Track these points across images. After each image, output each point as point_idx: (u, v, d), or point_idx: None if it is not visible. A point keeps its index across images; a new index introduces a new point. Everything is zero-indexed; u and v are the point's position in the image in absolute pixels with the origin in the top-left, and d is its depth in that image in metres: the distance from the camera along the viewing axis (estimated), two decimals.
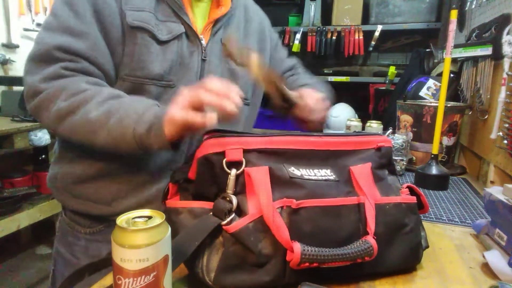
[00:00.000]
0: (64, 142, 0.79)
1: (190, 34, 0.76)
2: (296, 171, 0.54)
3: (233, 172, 0.52)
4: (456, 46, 1.33)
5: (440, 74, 1.41)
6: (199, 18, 0.80)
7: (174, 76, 0.74)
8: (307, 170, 0.55)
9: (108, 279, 0.56)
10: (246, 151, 0.53)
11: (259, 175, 0.51)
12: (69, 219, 0.81)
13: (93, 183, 0.75)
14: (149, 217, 0.43)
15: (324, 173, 0.56)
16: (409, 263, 0.59)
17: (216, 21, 0.80)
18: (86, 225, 0.79)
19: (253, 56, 0.64)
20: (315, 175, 0.55)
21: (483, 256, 0.61)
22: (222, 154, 0.52)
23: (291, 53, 3.13)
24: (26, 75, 0.67)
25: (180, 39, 0.75)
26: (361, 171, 0.57)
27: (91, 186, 0.75)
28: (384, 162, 0.62)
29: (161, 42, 0.72)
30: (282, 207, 0.50)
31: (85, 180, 0.75)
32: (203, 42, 0.78)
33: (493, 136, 1.03)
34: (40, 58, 0.66)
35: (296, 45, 2.69)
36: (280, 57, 1.02)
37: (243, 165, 0.52)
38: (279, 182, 0.52)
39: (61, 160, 0.78)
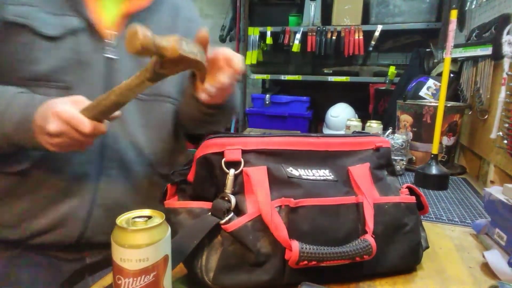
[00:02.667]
0: None
1: (93, 29, 0.68)
2: (294, 171, 0.54)
3: (232, 172, 0.52)
4: (456, 46, 1.33)
5: (440, 74, 1.41)
6: (109, 10, 0.71)
7: (70, 77, 0.67)
8: (306, 170, 0.55)
9: (108, 279, 0.56)
10: (244, 152, 0.53)
11: (258, 174, 0.52)
12: None
13: None
14: (149, 217, 0.43)
15: (323, 173, 0.56)
16: (409, 263, 0.59)
17: (132, 16, 0.72)
18: (2, 248, 0.72)
19: (171, 40, 0.52)
20: (313, 175, 0.55)
21: (483, 256, 0.61)
22: (221, 154, 0.53)
23: (291, 53, 3.10)
24: None
25: (76, 35, 0.67)
26: (360, 171, 0.58)
27: None
28: (382, 162, 0.62)
29: (50, 38, 0.65)
30: (280, 206, 0.51)
31: None
32: (110, 38, 0.70)
33: (493, 136, 1.03)
34: None
35: (296, 45, 2.69)
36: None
37: (242, 165, 0.53)
38: (277, 182, 0.53)
39: None
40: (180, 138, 0.87)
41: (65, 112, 0.55)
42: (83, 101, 0.59)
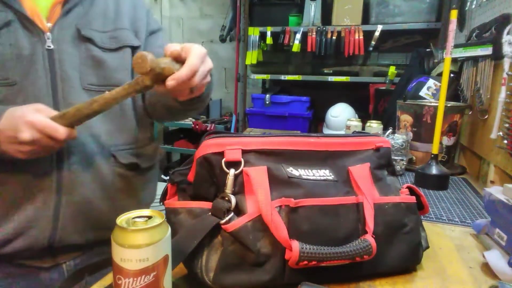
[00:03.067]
0: None
1: (27, 21, 0.67)
2: (295, 171, 0.54)
3: (232, 171, 0.52)
4: (456, 46, 1.33)
5: (440, 74, 1.41)
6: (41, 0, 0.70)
7: (12, 72, 0.66)
8: (306, 170, 0.55)
9: (108, 279, 0.56)
10: (245, 152, 0.53)
11: (258, 174, 0.52)
12: None
13: None
14: (149, 217, 0.43)
15: (323, 173, 0.56)
16: (409, 263, 0.59)
17: (66, 2, 0.71)
18: None
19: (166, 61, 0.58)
20: (313, 175, 0.55)
21: (483, 256, 0.61)
22: (221, 154, 0.53)
23: (291, 53, 3.09)
24: None
25: (11, 30, 0.66)
26: (360, 171, 0.57)
27: None
28: (383, 162, 0.62)
29: None
30: (280, 206, 0.51)
31: None
32: (47, 29, 0.68)
33: (493, 136, 1.03)
34: None
35: (296, 45, 2.69)
36: (151, 44, 0.85)
37: (242, 165, 0.53)
38: (277, 182, 0.53)
39: None
40: (146, 129, 0.86)
41: (39, 121, 0.57)
42: (45, 109, 0.60)
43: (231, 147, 0.53)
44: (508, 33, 1.04)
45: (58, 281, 0.74)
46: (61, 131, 0.58)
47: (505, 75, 1.00)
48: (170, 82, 0.56)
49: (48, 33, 0.69)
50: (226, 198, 0.51)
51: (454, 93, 1.47)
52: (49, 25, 0.70)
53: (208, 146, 0.53)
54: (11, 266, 0.72)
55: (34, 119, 0.57)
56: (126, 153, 0.79)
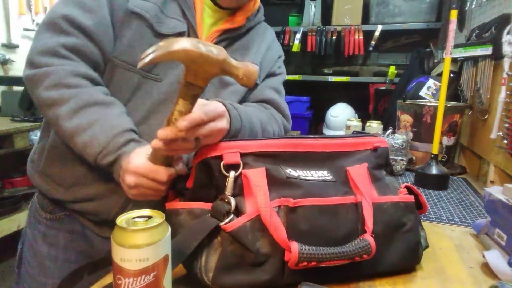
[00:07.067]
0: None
1: (192, 35, 0.75)
2: (293, 172, 0.54)
3: (232, 174, 0.52)
4: (456, 46, 1.33)
5: (440, 74, 1.41)
6: (207, 24, 0.79)
7: (162, 71, 0.73)
8: (304, 171, 0.55)
9: (108, 279, 0.56)
10: (243, 155, 0.54)
11: (256, 176, 0.52)
12: (37, 200, 0.82)
13: (60, 163, 0.75)
14: (149, 217, 0.43)
15: (321, 174, 0.56)
16: (408, 263, 0.59)
17: (224, 32, 0.79)
18: (48, 210, 0.79)
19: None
20: (312, 176, 0.55)
21: (483, 256, 0.61)
22: (220, 158, 0.53)
23: (291, 53, 3.08)
24: (34, 37, 0.68)
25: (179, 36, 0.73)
26: (358, 172, 0.58)
27: (57, 165, 0.75)
28: (380, 162, 0.62)
29: (159, 35, 0.72)
30: (279, 207, 0.51)
31: (54, 158, 0.75)
32: None
33: (493, 136, 1.03)
34: (47, 24, 0.67)
35: (296, 45, 2.69)
36: (265, 84, 0.89)
37: (241, 168, 0.53)
38: (276, 183, 0.53)
39: (43, 135, 0.78)
40: None
41: (142, 167, 0.58)
42: (146, 150, 0.60)
43: (229, 150, 0.53)
44: (508, 33, 1.04)
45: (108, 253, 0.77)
46: (162, 173, 0.57)
47: (505, 75, 1.00)
48: (182, 122, 0.51)
49: None
50: (226, 200, 0.51)
51: (454, 93, 1.47)
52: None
53: (207, 150, 0.53)
54: (76, 224, 0.79)
55: (137, 164, 0.58)
56: None
